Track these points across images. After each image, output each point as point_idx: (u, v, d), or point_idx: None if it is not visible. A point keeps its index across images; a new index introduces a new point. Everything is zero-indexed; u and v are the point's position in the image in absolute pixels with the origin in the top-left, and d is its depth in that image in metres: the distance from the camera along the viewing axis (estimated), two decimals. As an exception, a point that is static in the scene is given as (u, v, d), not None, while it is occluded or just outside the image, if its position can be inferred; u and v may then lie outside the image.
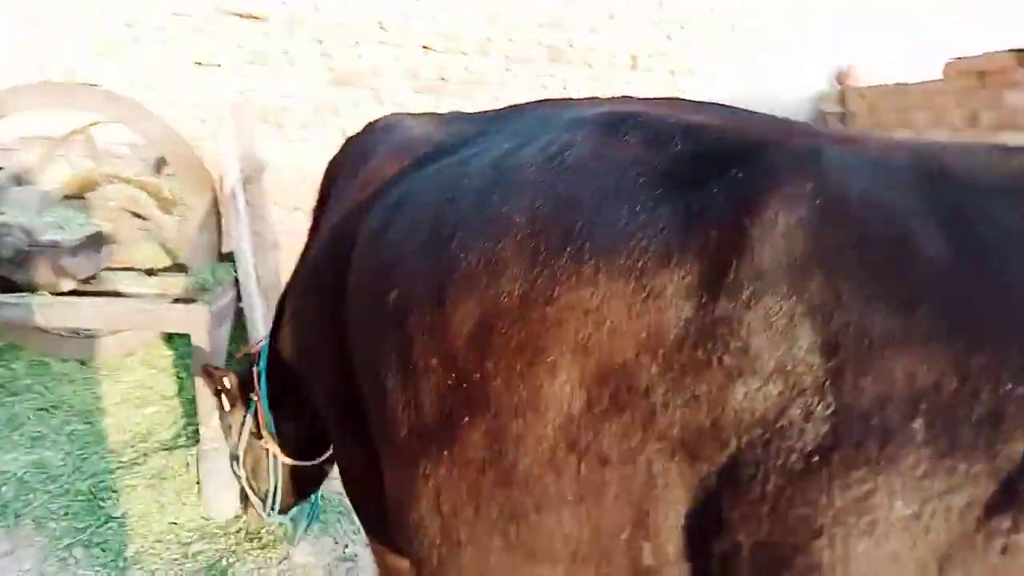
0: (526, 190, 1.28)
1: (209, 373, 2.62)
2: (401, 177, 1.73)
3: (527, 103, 1.80)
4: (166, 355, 3.60)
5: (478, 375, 1.21)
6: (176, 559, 2.89)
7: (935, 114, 4.86)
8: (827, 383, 0.88)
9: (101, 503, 2.98)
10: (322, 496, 3.13)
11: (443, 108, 5.84)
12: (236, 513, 3.15)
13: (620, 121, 1.28)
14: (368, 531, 2.10)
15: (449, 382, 1.27)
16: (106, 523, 2.93)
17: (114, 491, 3.06)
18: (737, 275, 0.95)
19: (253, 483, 2.73)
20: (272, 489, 2.64)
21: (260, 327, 3.47)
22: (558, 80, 6.18)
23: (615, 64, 6.18)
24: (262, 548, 2.99)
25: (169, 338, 3.57)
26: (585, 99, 1.63)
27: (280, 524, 3.11)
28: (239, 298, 3.40)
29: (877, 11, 6.25)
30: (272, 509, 2.73)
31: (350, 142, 2.23)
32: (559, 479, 1.10)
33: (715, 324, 0.96)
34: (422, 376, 1.32)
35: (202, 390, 3.05)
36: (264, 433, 2.54)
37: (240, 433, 2.65)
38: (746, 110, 1.40)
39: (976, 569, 0.80)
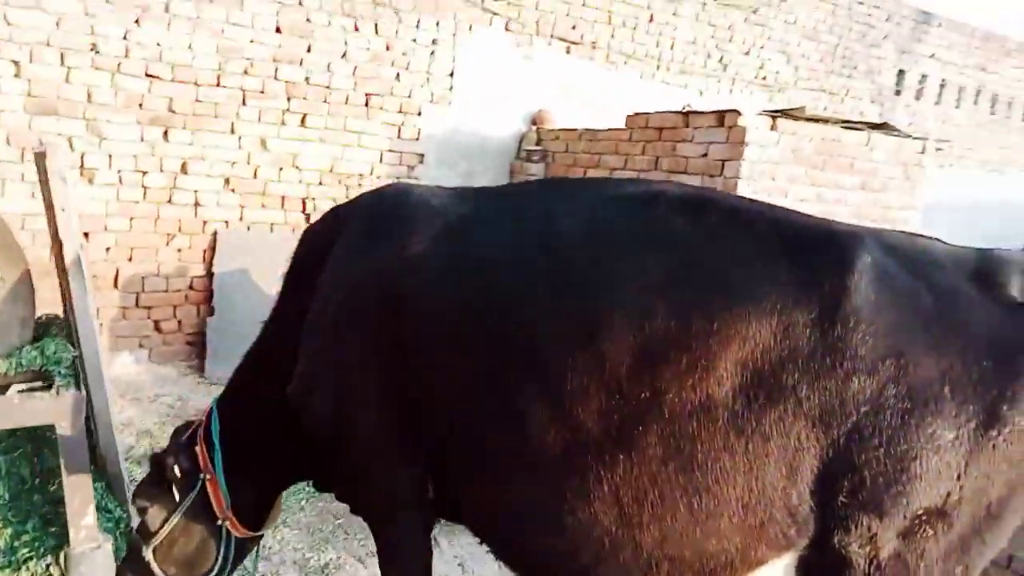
0: (650, 253, 1.78)
1: (160, 462, 2.44)
2: (443, 240, 2.07)
3: (534, 182, 2.24)
4: (-42, 455, 2.96)
5: (647, 393, 1.66)
6: None
7: (623, 157, 6.24)
8: (900, 373, 1.58)
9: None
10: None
11: (173, 140, 5.50)
12: (114, 614, 2.83)
13: (699, 204, 1.85)
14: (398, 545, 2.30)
15: (613, 402, 1.69)
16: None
17: (-42, 629, 2.51)
18: (845, 311, 1.59)
19: (174, 571, 2.59)
20: (218, 568, 2.56)
21: (111, 412, 3.10)
22: (296, 116, 6.24)
23: (351, 102, 6.47)
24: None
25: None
26: (597, 179, 2.14)
27: None
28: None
29: (563, 68, 7.61)
30: None
31: (345, 211, 2.42)
32: (732, 457, 1.63)
33: (835, 342, 1.58)
34: (578, 401, 1.72)
35: (71, 486, 2.70)
36: (222, 511, 2.47)
37: (171, 519, 2.51)
38: (744, 198, 2.02)
39: (984, 459, 1.57)
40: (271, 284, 6.07)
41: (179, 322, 6.07)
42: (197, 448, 2.52)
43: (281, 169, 6.28)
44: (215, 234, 6.06)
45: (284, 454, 2.54)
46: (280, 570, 3.38)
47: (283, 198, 6.34)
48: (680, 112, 5.71)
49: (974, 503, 1.62)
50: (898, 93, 10.50)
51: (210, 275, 6.06)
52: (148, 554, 2.51)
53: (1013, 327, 1.64)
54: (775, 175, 5.24)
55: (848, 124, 5.53)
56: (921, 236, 1.87)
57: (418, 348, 2.02)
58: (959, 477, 1.59)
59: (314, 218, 6.43)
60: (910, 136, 5.93)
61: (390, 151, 6.78)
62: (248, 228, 6.21)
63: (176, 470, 2.42)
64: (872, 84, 10.22)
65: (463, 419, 1.96)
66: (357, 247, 2.23)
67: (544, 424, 1.77)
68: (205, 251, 6.06)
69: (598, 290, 1.78)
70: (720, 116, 5.27)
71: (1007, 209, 10.90)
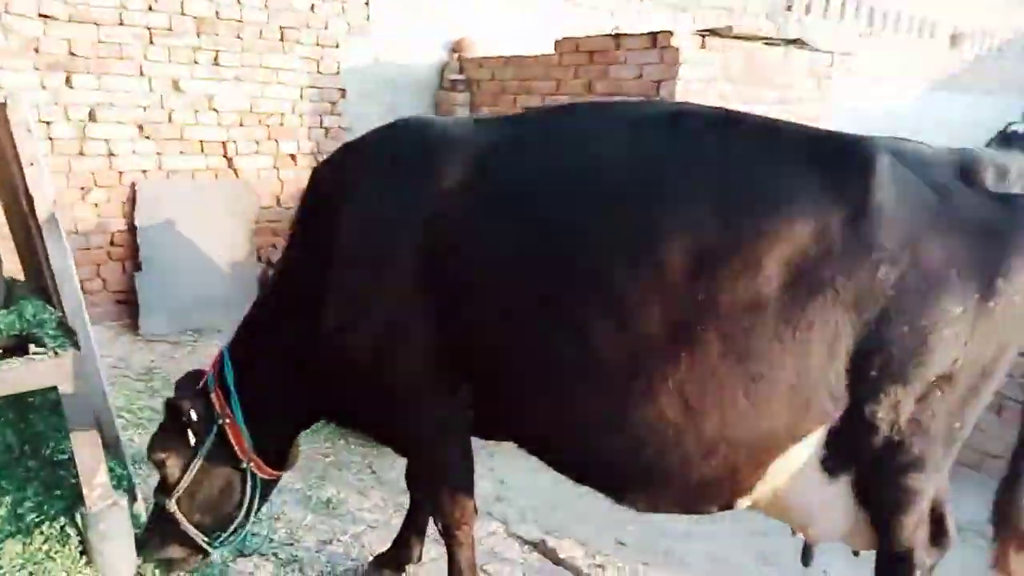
0: (692, 167, 1.89)
1: (176, 407, 2.37)
2: (482, 168, 2.10)
3: (543, 108, 2.29)
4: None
5: (703, 295, 1.80)
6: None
7: (555, 82, 6.27)
8: (917, 259, 1.77)
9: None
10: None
11: (78, 86, 5.08)
12: (138, 570, 2.79)
13: (726, 120, 1.97)
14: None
15: (673, 306, 1.82)
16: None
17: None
18: (870, 209, 1.78)
19: (200, 517, 2.55)
20: (245, 512, 2.55)
21: (100, 369, 2.95)
22: (208, 54, 5.84)
23: (265, 37, 6.11)
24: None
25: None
26: (609, 102, 2.22)
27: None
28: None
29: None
30: (230, 539, 2.61)
31: (359, 147, 2.40)
32: (782, 346, 1.79)
33: (864, 236, 1.77)
34: (640, 309, 1.84)
35: (80, 446, 2.59)
36: (245, 453, 2.47)
37: (191, 467, 2.46)
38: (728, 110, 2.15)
39: (983, 326, 1.79)
40: (200, 234, 5.85)
41: (104, 281, 5.71)
42: (212, 395, 2.49)
43: (197, 112, 5.91)
44: (133, 185, 5.67)
45: (305, 395, 2.53)
46: (286, 508, 3.40)
47: (202, 143, 5.99)
48: (610, 35, 5.77)
49: (973, 365, 1.87)
50: (789, 8, 10.95)
51: (132, 229, 5.70)
52: (172, 505, 2.48)
53: (997, 213, 1.86)
54: (707, 92, 5.44)
55: (768, 41, 5.78)
56: (907, 140, 2.07)
57: (468, 276, 2.07)
58: (965, 344, 1.83)
59: (237, 162, 6.18)
60: (819, 50, 6.27)
61: (311, 87, 6.49)
62: (168, 176, 5.85)
63: (193, 415, 2.38)
64: (765, 0, 10.60)
65: (521, 339, 2.03)
66: (388, 182, 2.22)
67: (608, 333, 1.89)
68: (124, 203, 5.68)
69: (650, 204, 1.88)
70: (652, 37, 5.37)
71: (892, 116, 11.77)
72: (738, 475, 1.97)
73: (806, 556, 2.43)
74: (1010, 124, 12.59)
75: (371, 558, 3.00)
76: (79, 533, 2.68)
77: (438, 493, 2.41)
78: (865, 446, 1.92)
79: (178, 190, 5.86)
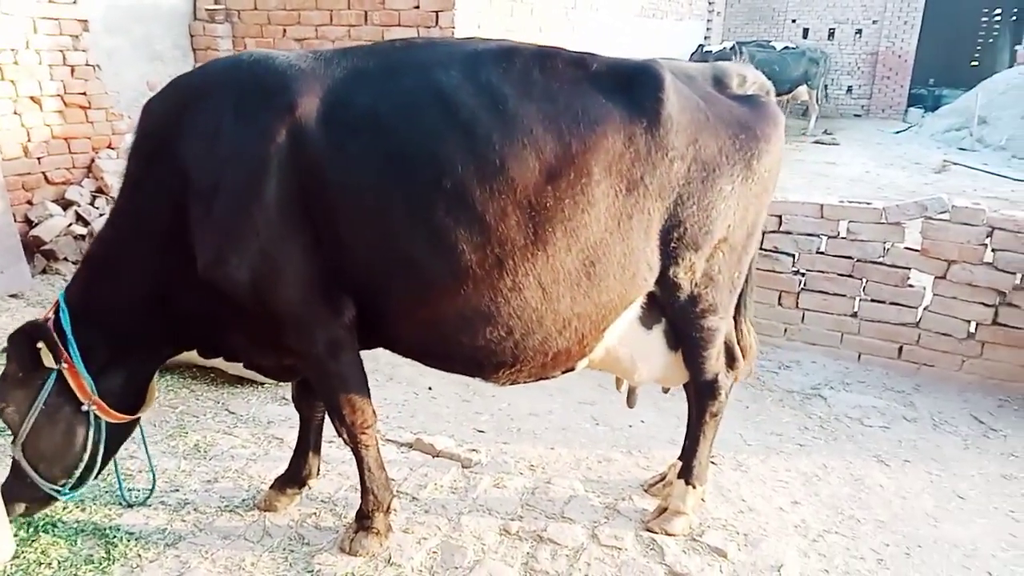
0: (529, 96, 2.22)
1: (16, 355, 2.34)
2: (339, 98, 2.22)
3: (389, 43, 2.50)
4: None
5: (550, 202, 2.19)
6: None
7: (327, 13, 6.23)
8: (698, 153, 2.31)
9: None
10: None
11: None
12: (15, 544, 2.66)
13: (545, 54, 2.34)
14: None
15: (526, 212, 2.17)
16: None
17: None
18: (662, 118, 2.24)
19: (46, 464, 2.50)
20: (90, 453, 2.53)
21: None
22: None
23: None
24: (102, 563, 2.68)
25: None
26: (444, 39, 2.52)
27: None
28: None
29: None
30: (77, 486, 2.58)
31: (196, 80, 2.41)
32: (612, 233, 2.28)
33: (661, 140, 2.25)
34: (501, 218, 2.15)
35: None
36: (86, 395, 2.46)
37: (32, 412, 2.42)
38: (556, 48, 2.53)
39: (746, 197, 2.49)
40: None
41: None
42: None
43: (-96, 50, 5.00)
44: None
45: (166, 331, 2.55)
46: (154, 461, 3.16)
47: (-82, 87, 5.10)
48: (382, -35, 5.90)
49: (741, 228, 2.55)
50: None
51: None
52: (17, 452, 2.46)
53: (745, 111, 2.52)
54: (479, 23, 5.89)
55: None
56: (672, 59, 2.66)
57: (336, 200, 2.20)
58: (735, 214, 2.49)
59: (-32, 109, 5.36)
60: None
61: (45, 18, 5.74)
62: None
63: (33, 362, 2.37)
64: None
65: (397, 255, 2.23)
66: (240, 114, 2.23)
67: (476, 242, 2.17)
68: None
69: (499, 127, 2.18)
70: (426, -32, 5.64)
71: (611, 40, 13.19)
72: (583, 341, 2.45)
73: (631, 399, 3.06)
74: (701, 45, 14.79)
75: (268, 484, 3.03)
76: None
77: (339, 405, 2.49)
78: (672, 301, 2.53)
79: None
